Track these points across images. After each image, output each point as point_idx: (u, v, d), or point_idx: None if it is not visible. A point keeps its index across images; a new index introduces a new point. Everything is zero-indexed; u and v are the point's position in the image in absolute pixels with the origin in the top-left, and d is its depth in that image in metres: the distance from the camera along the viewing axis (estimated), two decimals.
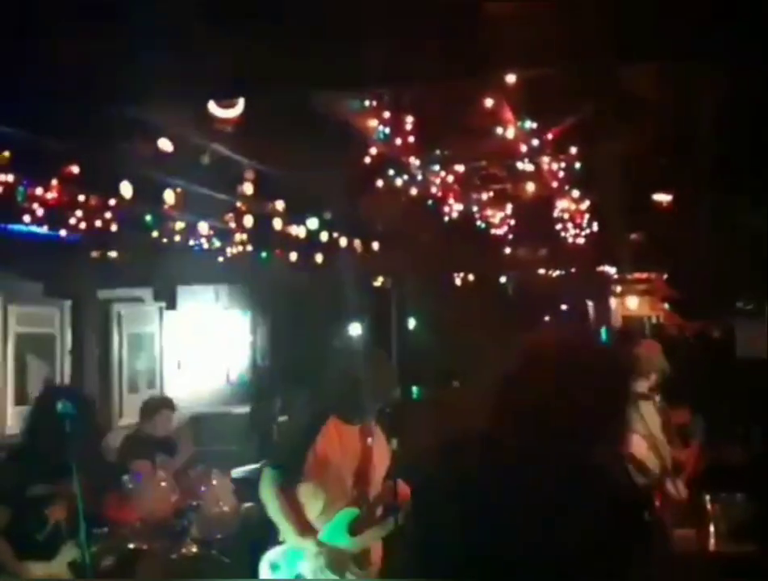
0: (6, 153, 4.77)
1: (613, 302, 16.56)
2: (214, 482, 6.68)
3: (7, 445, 4.45)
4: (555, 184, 6.74)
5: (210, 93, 3.72)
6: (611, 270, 13.99)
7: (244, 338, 11.25)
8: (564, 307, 14.98)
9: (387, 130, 4.75)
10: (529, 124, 5.27)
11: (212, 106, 3.91)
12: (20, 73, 3.75)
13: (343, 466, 4.68)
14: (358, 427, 4.76)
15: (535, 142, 5.52)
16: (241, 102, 3.87)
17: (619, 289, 16.08)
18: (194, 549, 6.09)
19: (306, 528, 4.61)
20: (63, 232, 6.44)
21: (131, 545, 5.86)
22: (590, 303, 15.82)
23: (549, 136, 5.64)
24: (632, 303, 16.58)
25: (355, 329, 10.91)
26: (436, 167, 6.04)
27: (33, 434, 4.29)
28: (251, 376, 11.08)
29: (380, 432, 4.83)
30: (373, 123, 4.74)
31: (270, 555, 4.71)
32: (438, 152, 5.81)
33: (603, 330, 15.72)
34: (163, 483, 6.25)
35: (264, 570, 4.69)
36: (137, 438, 6.88)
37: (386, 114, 4.68)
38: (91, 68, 3.73)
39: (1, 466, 4.47)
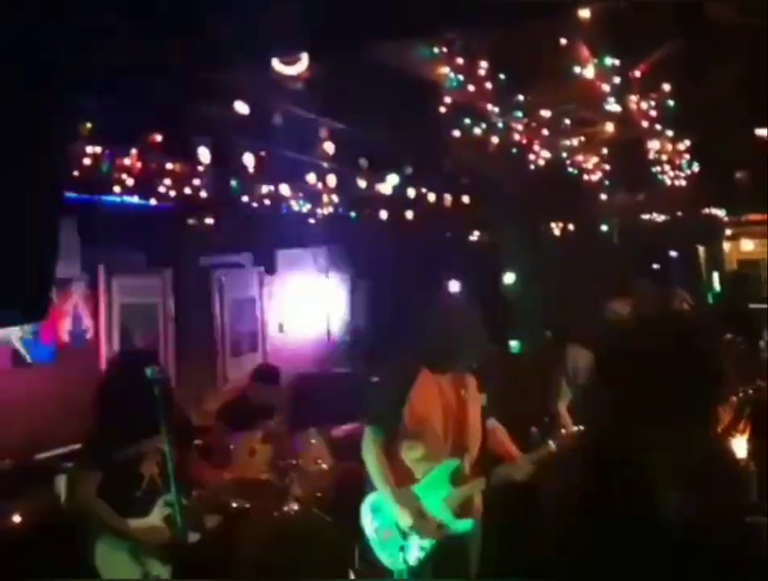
0: (89, 125, 4.85)
1: (726, 245, 15.93)
2: (313, 441, 6.75)
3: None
4: (648, 124, 6.43)
5: (273, 50, 3.66)
6: (719, 213, 13.42)
7: (342, 299, 11.31)
8: (673, 253, 14.49)
9: (461, 77, 4.58)
10: (613, 62, 5.02)
11: (276, 64, 3.85)
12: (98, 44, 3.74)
13: (439, 417, 4.65)
14: (450, 376, 4.71)
15: (621, 80, 5.26)
16: (305, 57, 3.80)
17: (731, 231, 15.43)
18: (296, 508, 6.17)
19: (401, 486, 4.60)
20: (154, 201, 6.53)
21: (234, 504, 6.00)
22: (700, 248, 15.26)
23: (638, 74, 5.38)
24: (748, 245, 15.90)
25: (453, 286, 10.83)
26: (519, 114, 5.82)
27: (123, 398, 4.39)
28: (351, 337, 11.13)
29: (473, 381, 4.75)
30: (445, 70, 4.58)
31: (371, 498, 4.73)
32: (521, 97, 5.59)
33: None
34: (264, 445, 6.37)
35: (365, 512, 4.73)
36: (240, 401, 6.97)
37: (459, 61, 4.52)
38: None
39: (95, 430, 4.59)
